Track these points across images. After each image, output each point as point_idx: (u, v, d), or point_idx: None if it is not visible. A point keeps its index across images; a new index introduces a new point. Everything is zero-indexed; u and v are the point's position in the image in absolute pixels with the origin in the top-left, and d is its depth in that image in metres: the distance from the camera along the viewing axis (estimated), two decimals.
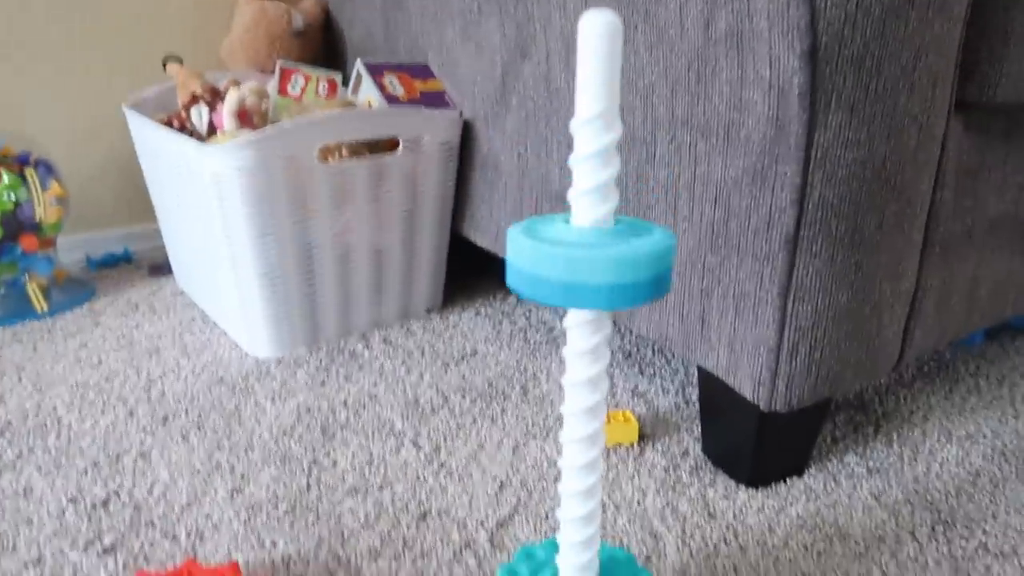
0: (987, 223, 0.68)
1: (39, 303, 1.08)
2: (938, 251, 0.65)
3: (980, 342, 0.96)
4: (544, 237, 0.38)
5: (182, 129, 1.03)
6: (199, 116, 1.03)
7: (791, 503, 0.68)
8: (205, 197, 0.90)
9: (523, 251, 0.38)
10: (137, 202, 1.35)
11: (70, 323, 1.06)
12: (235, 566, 0.57)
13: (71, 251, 1.29)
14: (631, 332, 1.02)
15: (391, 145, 0.96)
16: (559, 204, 0.82)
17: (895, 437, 0.77)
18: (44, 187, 1.07)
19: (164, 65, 1.15)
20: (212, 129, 1.02)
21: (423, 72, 1.03)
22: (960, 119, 0.61)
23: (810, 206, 0.56)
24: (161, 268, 1.23)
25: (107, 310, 1.10)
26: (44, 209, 1.07)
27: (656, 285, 0.38)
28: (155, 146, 1.02)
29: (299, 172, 0.88)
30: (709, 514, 0.67)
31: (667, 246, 0.38)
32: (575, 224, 0.39)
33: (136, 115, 1.05)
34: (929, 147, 0.59)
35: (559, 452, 0.76)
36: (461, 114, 0.99)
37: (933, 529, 0.65)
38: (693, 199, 0.65)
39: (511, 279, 0.39)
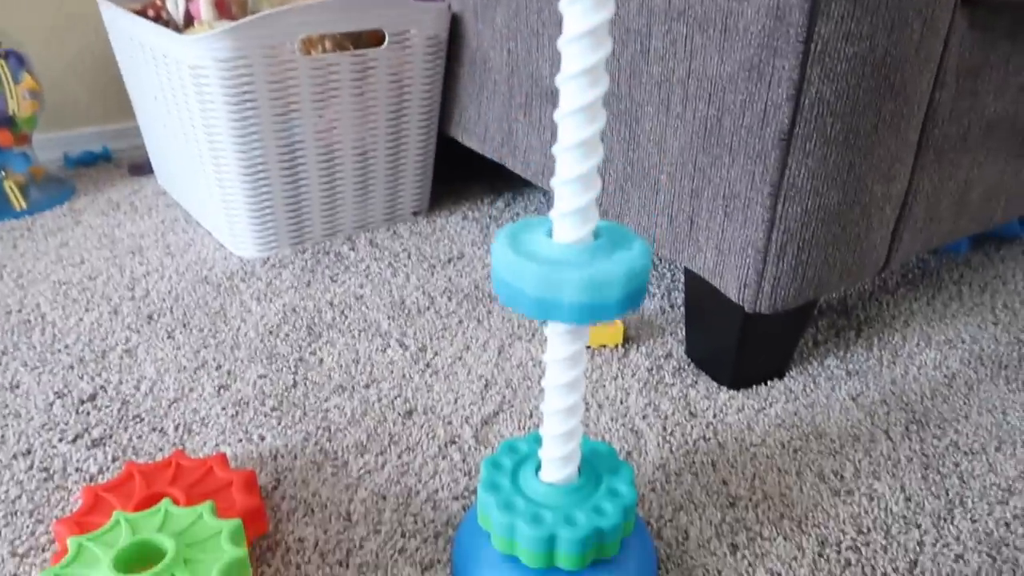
0: (984, 125, 0.67)
1: (17, 201, 1.06)
2: (932, 153, 0.64)
3: (965, 250, 0.96)
4: (524, 251, 0.40)
5: (157, 19, 0.99)
6: (175, 5, 0.98)
7: (771, 403, 0.69)
8: (183, 91, 0.87)
9: (504, 262, 0.40)
10: (115, 98, 1.30)
11: (50, 222, 1.04)
12: (223, 457, 0.58)
13: (48, 149, 1.25)
14: None
15: (376, 39, 0.92)
16: (550, 102, 0.80)
17: (876, 341, 0.78)
18: (16, 80, 1.03)
19: None
20: (189, 19, 0.98)
21: None
22: (965, 15, 0.59)
23: (806, 103, 0.54)
24: (142, 167, 1.20)
25: (87, 209, 1.08)
26: (17, 103, 1.04)
27: (630, 300, 0.40)
28: (130, 38, 0.98)
29: (281, 65, 0.84)
30: (690, 413, 0.68)
31: (642, 265, 0.39)
32: (556, 240, 0.41)
33: (110, 5, 1.00)
34: (932, 43, 0.57)
35: (544, 350, 0.76)
36: (449, 7, 0.95)
37: (907, 428, 0.66)
38: (687, 95, 0.63)
39: (495, 284, 0.42)
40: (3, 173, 1.06)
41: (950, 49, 0.59)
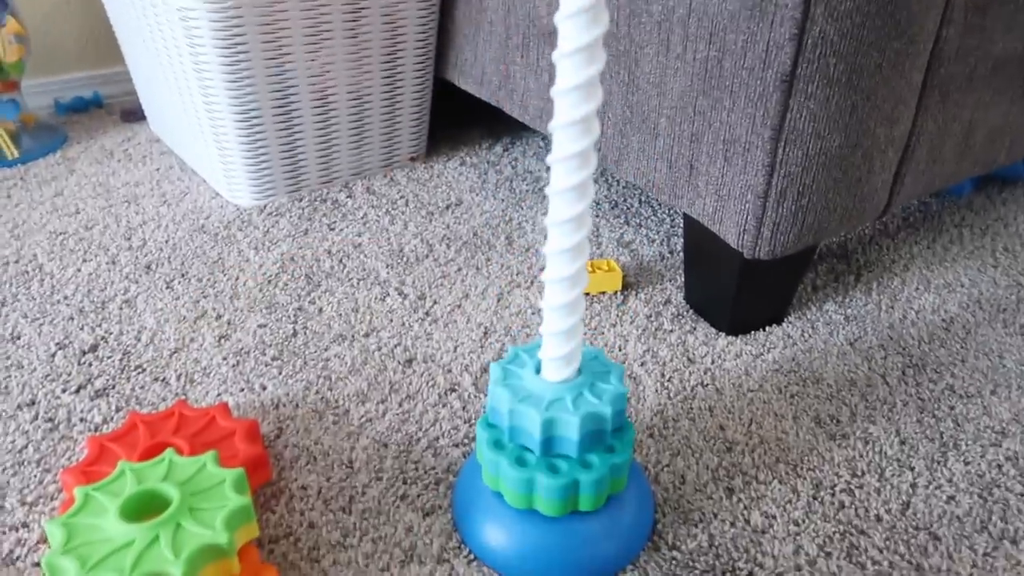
0: (990, 64, 0.65)
1: (9, 149, 1.05)
2: (937, 94, 0.63)
3: (968, 192, 0.95)
4: (515, 387, 0.47)
5: None
6: None
7: (768, 349, 0.69)
8: (173, 36, 0.84)
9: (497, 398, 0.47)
10: (104, 42, 1.27)
11: (43, 170, 1.03)
12: (225, 406, 0.58)
13: (38, 96, 1.23)
14: (618, 182, 1.00)
15: None
16: (547, 43, 0.78)
17: (875, 286, 0.78)
18: (0, 23, 1.01)
19: None
20: None
21: None
22: None
23: (809, 42, 0.53)
24: (134, 113, 1.18)
25: (81, 157, 1.06)
26: (3, 48, 1.01)
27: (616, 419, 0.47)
28: None
29: (271, 6, 0.82)
30: (688, 359, 0.68)
31: (609, 413, 0.45)
32: (544, 378, 0.47)
33: None
34: None
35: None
36: None
37: (904, 372, 0.67)
38: (687, 36, 0.61)
39: (489, 411, 0.49)
40: None
41: None
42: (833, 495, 0.55)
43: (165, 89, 0.97)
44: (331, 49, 0.89)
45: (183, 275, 0.80)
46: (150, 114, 1.12)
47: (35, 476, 0.56)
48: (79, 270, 0.81)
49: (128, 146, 1.10)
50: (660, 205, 0.95)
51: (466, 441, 0.59)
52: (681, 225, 0.90)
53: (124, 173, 1.02)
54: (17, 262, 0.82)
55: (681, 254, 0.84)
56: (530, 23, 0.80)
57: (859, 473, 0.57)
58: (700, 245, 0.72)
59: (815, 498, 0.55)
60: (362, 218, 0.91)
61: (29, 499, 0.54)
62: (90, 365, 0.67)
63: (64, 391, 0.64)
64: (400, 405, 0.63)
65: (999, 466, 0.57)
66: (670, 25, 0.62)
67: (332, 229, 0.88)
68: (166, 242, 0.86)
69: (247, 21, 0.81)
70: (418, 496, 0.55)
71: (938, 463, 0.58)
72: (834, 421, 0.62)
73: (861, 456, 0.58)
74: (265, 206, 0.93)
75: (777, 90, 0.55)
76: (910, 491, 0.55)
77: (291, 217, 0.91)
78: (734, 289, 0.68)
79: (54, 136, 1.11)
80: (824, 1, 0.52)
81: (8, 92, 1.06)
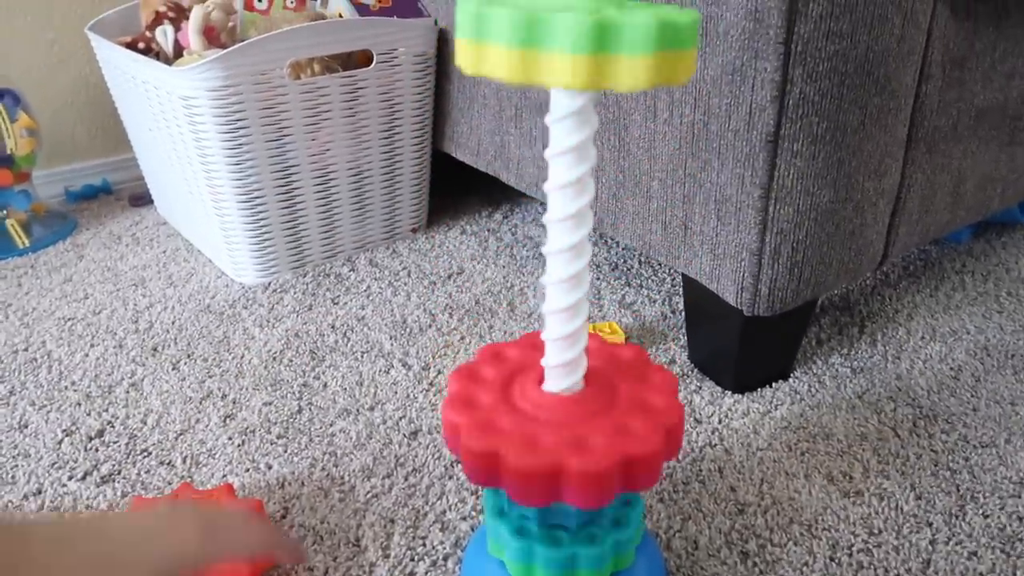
0: (973, 115, 0.66)
1: (20, 239, 1.07)
2: (923, 146, 0.64)
3: (967, 239, 0.95)
4: None
5: (148, 51, 0.99)
6: (164, 36, 0.99)
7: (776, 406, 0.69)
8: (177, 121, 0.87)
9: None
10: (112, 131, 1.31)
11: (53, 258, 1.05)
12: (229, 488, 0.58)
13: (49, 185, 1.26)
14: (618, 244, 1.01)
15: (365, 59, 0.93)
16: (539, 113, 0.80)
17: (879, 337, 0.78)
18: (12, 119, 1.04)
19: None
20: (179, 49, 0.98)
21: None
22: (947, 4, 0.58)
23: (790, 103, 0.54)
24: (142, 198, 1.21)
25: (90, 243, 1.08)
26: (15, 142, 1.05)
27: None
28: (122, 71, 0.98)
29: (271, 91, 0.85)
30: (696, 420, 0.68)
31: None
32: None
33: (100, 40, 1.01)
34: (914, 36, 0.57)
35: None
36: (436, 22, 0.95)
37: (915, 424, 0.66)
38: (672, 101, 0.63)
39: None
40: (4, 212, 1.07)
41: (933, 40, 0.59)
42: (851, 556, 0.54)
43: (170, 173, 0.99)
44: (330, 128, 0.91)
45: (189, 356, 0.80)
46: (157, 198, 1.15)
47: None
48: (87, 355, 0.81)
49: (136, 230, 1.12)
50: (660, 265, 0.95)
51: (473, 514, 0.59)
52: (681, 283, 0.90)
53: (132, 257, 1.04)
54: (26, 350, 0.83)
55: (683, 313, 0.84)
56: (522, 95, 0.82)
57: (876, 531, 0.55)
58: (700, 304, 0.72)
59: (832, 559, 0.53)
60: (365, 291, 0.91)
61: None
62: (96, 451, 0.67)
63: (71, 478, 0.64)
64: (406, 479, 0.62)
65: (1020, 518, 0.56)
66: (655, 92, 0.64)
67: (336, 303, 0.89)
68: (172, 323, 0.86)
69: (248, 106, 0.84)
70: (426, 573, 0.54)
71: (956, 518, 0.56)
72: (847, 478, 0.60)
73: (877, 513, 0.57)
74: (270, 283, 0.94)
75: (763, 150, 0.56)
76: (930, 548, 0.54)
77: (295, 293, 0.92)
78: (737, 346, 0.68)
79: (64, 224, 1.14)
80: (802, 63, 0.53)
81: (20, 183, 1.09)
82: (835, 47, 0.53)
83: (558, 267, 0.41)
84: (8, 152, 1.04)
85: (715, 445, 0.64)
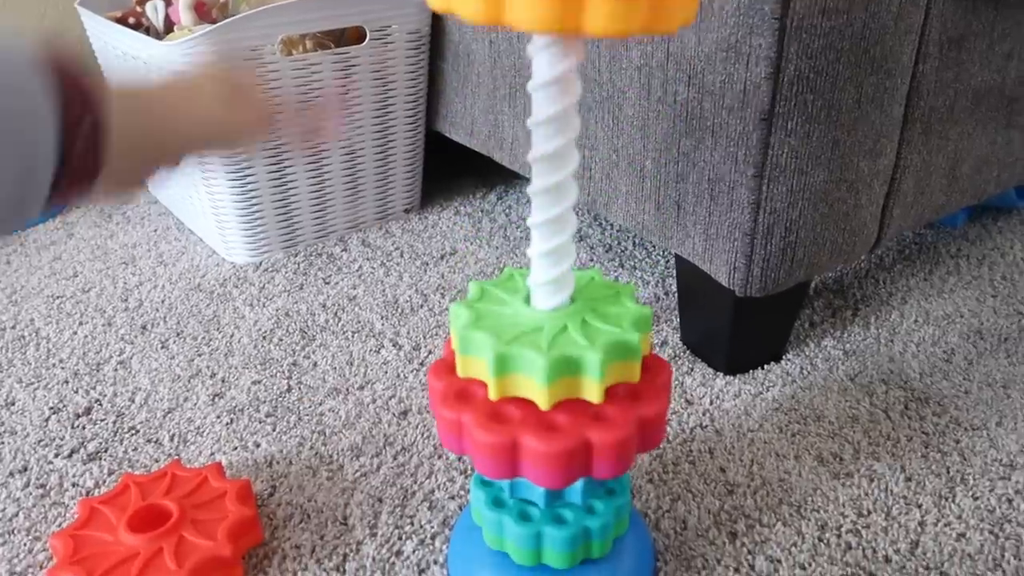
0: (970, 96, 0.66)
1: None
2: (919, 126, 0.63)
3: (962, 223, 0.95)
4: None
5: (138, 26, 0.98)
6: (155, 11, 0.97)
7: (768, 388, 0.68)
8: None
9: None
10: None
11: (42, 235, 1.04)
12: (218, 467, 0.57)
13: None
14: (612, 225, 1.00)
15: (358, 36, 0.92)
16: None
17: (873, 320, 0.78)
18: None
19: None
20: (170, 25, 0.97)
21: None
22: None
23: (785, 81, 0.53)
24: None
25: (80, 221, 1.07)
26: None
27: None
28: (112, 46, 0.97)
29: (262, 67, 0.84)
30: (687, 401, 0.67)
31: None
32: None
33: (90, 14, 0.99)
34: (912, 14, 0.56)
35: None
36: None
37: (906, 407, 0.65)
38: (667, 79, 0.62)
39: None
40: None
41: (931, 18, 0.58)
42: (839, 536, 0.54)
43: None
44: (322, 106, 0.90)
45: (178, 334, 0.80)
46: None
47: (25, 544, 0.55)
48: (75, 333, 0.81)
49: (127, 208, 1.11)
50: (653, 247, 0.95)
51: (462, 493, 0.58)
52: (674, 264, 0.90)
53: (122, 235, 1.03)
54: (14, 327, 0.82)
55: (676, 295, 0.83)
56: (516, 73, 0.81)
57: (865, 512, 0.55)
58: (693, 285, 0.71)
59: (821, 540, 0.53)
60: (357, 271, 0.91)
61: (18, 568, 0.53)
62: (83, 428, 0.67)
63: (57, 456, 0.64)
64: (395, 458, 0.62)
65: (1009, 500, 0.56)
66: (649, 69, 0.63)
67: (327, 283, 0.88)
68: (162, 302, 0.86)
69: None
70: (413, 552, 0.53)
71: (946, 499, 0.56)
72: (837, 459, 0.60)
73: (867, 495, 0.57)
74: (261, 263, 0.93)
75: (757, 128, 0.56)
76: (918, 529, 0.54)
77: (286, 272, 0.91)
78: (729, 328, 0.68)
79: None
80: (797, 40, 0.52)
81: None
82: (831, 23, 0.52)
83: (542, 239, 0.41)
84: None
85: (706, 426, 0.64)
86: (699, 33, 0.57)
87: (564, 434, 0.40)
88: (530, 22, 0.32)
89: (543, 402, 0.40)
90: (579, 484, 0.45)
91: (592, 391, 0.40)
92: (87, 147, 0.34)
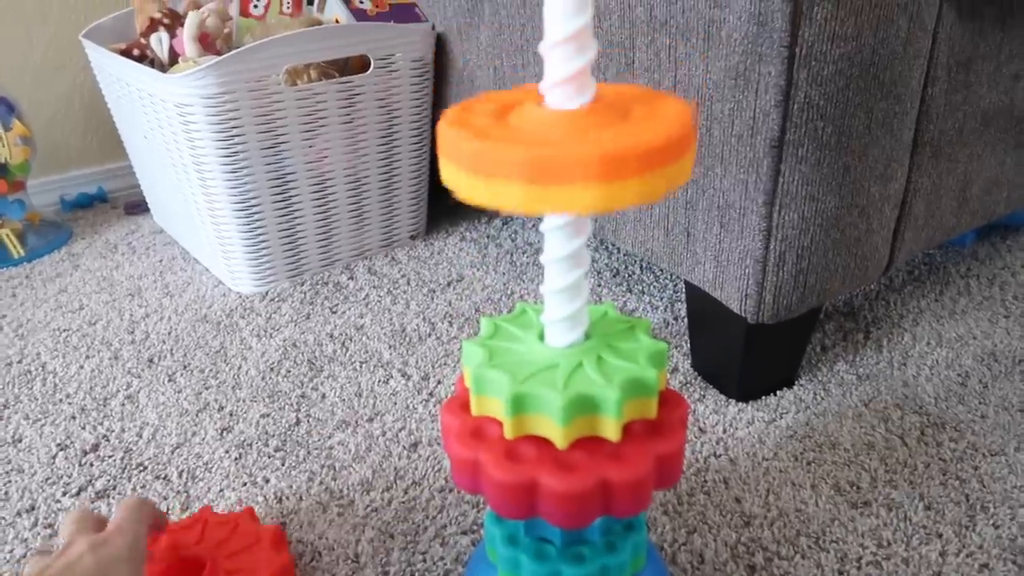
0: (979, 118, 0.65)
1: (15, 249, 1.06)
2: (929, 150, 0.63)
3: (971, 242, 0.94)
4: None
5: (143, 58, 0.98)
6: (159, 43, 0.98)
7: (781, 414, 0.68)
8: (172, 129, 0.86)
9: None
10: (108, 139, 1.30)
11: (48, 267, 1.04)
12: (250, 511, 0.56)
13: (43, 194, 1.26)
14: (619, 250, 1.00)
15: (362, 65, 0.92)
16: None
17: (885, 343, 0.77)
18: (6, 127, 1.03)
19: None
20: (174, 56, 0.97)
21: None
22: (952, 6, 0.57)
23: (795, 108, 0.53)
24: (138, 206, 1.20)
25: (85, 252, 1.07)
26: (9, 150, 1.04)
27: None
28: (117, 78, 0.97)
29: (267, 97, 0.84)
30: (700, 429, 0.66)
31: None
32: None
33: (94, 46, 1.00)
34: (919, 38, 0.56)
35: None
36: (434, 27, 0.94)
37: (923, 432, 0.65)
38: None
39: None
40: (0, 222, 1.06)
41: (939, 43, 0.58)
42: (859, 568, 0.53)
43: (166, 181, 0.98)
44: (327, 135, 0.90)
45: (185, 367, 0.79)
46: (153, 206, 1.14)
47: None
48: (82, 367, 0.80)
49: (132, 239, 1.11)
50: (662, 271, 0.94)
51: (474, 528, 0.57)
52: (684, 290, 0.89)
53: (128, 266, 1.03)
54: (20, 362, 0.82)
55: (686, 319, 0.83)
56: None
57: (885, 543, 0.54)
58: (704, 311, 0.71)
59: (841, 572, 0.52)
60: (364, 299, 0.90)
61: None
62: (91, 465, 0.66)
63: (64, 494, 0.63)
64: (406, 492, 0.61)
65: None
66: None
67: (334, 312, 0.88)
68: (169, 334, 0.85)
69: (243, 113, 0.83)
70: None
71: (966, 528, 0.55)
72: (854, 488, 0.59)
73: (886, 524, 0.56)
74: (267, 292, 0.93)
75: (768, 155, 0.55)
76: (940, 560, 0.53)
77: (293, 302, 0.90)
78: (741, 354, 0.67)
79: (59, 233, 1.13)
80: (806, 67, 0.52)
81: (14, 192, 1.08)
82: (840, 50, 0.52)
83: (557, 275, 0.40)
84: (2, 161, 1.03)
85: (720, 455, 0.63)
86: (707, 61, 0.57)
87: (581, 473, 0.40)
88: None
89: (560, 441, 0.39)
90: (597, 520, 0.44)
91: (609, 429, 0.40)
92: None
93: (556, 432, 0.39)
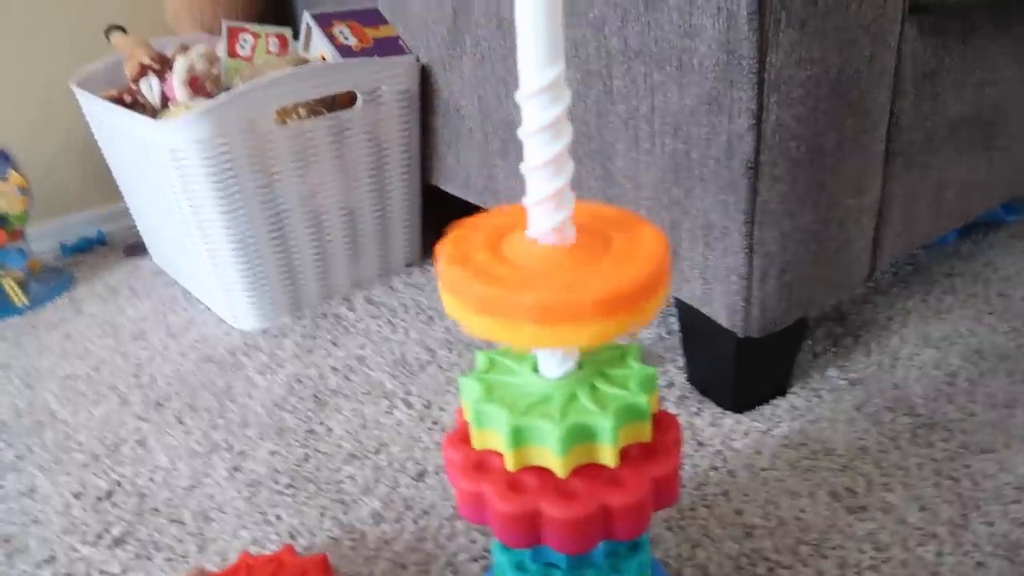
0: (948, 126, 0.67)
1: (17, 297, 1.08)
2: (901, 160, 0.65)
3: (953, 240, 0.96)
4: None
5: (134, 104, 1.00)
6: (150, 88, 1.00)
7: (776, 423, 0.69)
8: (166, 174, 0.88)
9: None
10: (104, 182, 1.32)
11: (52, 314, 1.05)
12: (290, 549, 0.58)
13: (43, 240, 1.27)
14: None
15: (349, 99, 0.94)
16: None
17: (874, 346, 0.79)
18: (3, 177, 1.05)
19: (107, 36, 1.11)
20: (165, 100, 0.99)
21: (374, 18, 1.00)
22: (914, 23, 0.59)
23: (768, 130, 0.55)
24: (137, 248, 1.22)
25: (87, 297, 1.09)
26: (7, 201, 1.06)
27: None
28: (109, 125, 0.99)
29: (259, 138, 0.86)
30: (698, 443, 0.68)
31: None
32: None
33: (86, 94, 1.02)
34: (884, 56, 0.58)
35: None
36: (418, 59, 0.96)
37: (914, 434, 0.66)
38: (653, 131, 0.64)
39: None
40: (1, 271, 1.08)
41: (904, 58, 0.60)
42: (859, 574, 0.54)
43: (163, 222, 1.00)
44: (319, 170, 0.92)
45: (192, 408, 0.81)
46: (152, 247, 1.15)
47: None
48: (91, 413, 0.82)
49: (132, 281, 1.13)
50: None
51: (484, 555, 0.59)
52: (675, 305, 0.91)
53: (130, 309, 1.04)
54: (31, 412, 0.84)
55: (679, 334, 0.85)
56: (506, 128, 0.83)
57: (883, 547, 0.56)
58: (695, 326, 0.72)
59: None
60: (364, 330, 0.92)
61: None
62: (107, 512, 0.68)
63: (82, 543, 0.65)
64: (415, 522, 0.63)
65: (1022, 524, 0.57)
66: (636, 122, 0.65)
67: (335, 344, 0.90)
68: (174, 376, 0.87)
69: (236, 155, 0.85)
70: None
71: (960, 527, 0.57)
72: (851, 493, 0.61)
73: (883, 528, 0.58)
74: (268, 328, 0.95)
75: (744, 176, 0.57)
76: (937, 560, 0.54)
77: (295, 337, 0.92)
78: (733, 366, 0.69)
79: (61, 279, 1.15)
80: (776, 91, 0.54)
81: (13, 242, 1.10)
82: (807, 73, 0.54)
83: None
84: (1, 212, 1.05)
85: (718, 468, 0.65)
86: (681, 88, 0.59)
87: (582, 500, 0.41)
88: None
89: (560, 470, 0.41)
90: (600, 544, 0.46)
91: (607, 456, 0.41)
92: None
93: (556, 462, 0.41)
